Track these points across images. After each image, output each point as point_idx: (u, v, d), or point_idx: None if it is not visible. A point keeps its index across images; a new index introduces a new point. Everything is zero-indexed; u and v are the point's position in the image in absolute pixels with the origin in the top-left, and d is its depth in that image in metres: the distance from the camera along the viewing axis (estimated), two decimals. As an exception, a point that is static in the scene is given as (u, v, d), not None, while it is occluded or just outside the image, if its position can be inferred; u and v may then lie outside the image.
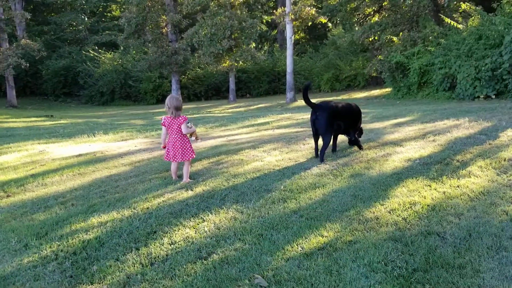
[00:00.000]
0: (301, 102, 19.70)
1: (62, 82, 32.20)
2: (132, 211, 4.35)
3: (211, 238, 3.61)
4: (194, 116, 15.47)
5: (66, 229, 4.04)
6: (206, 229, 3.79)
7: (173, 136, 5.22)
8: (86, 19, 36.39)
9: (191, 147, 5.33)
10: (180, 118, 5.21)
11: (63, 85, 32.36)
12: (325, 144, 5.58)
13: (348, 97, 21.64)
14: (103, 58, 30.95)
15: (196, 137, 5.45)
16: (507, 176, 4.37)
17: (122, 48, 30.79)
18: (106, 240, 3.73)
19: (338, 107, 5.74)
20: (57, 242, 3.76)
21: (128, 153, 7.39)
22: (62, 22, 35.24)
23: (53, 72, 31.61)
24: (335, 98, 20.79)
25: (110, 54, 31.54)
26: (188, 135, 5.31)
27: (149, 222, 4.03)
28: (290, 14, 19.79)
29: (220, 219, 3.95)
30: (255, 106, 19.93)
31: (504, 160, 4.85)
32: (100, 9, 39.73)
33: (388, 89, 19.82)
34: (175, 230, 3.80)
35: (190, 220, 3.99)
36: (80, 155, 7.51)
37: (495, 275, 2.76)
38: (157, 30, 25.95)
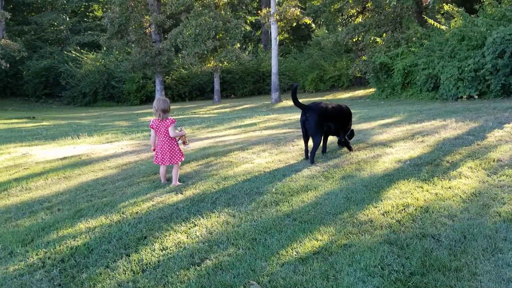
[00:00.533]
0: (286, 103, 19.70)
1: (43, 83, 31.65)
2: (121, 215, 4.25)
3: (204, 243, 3.54)
4: (179, 117, 15.33)
5: (53, 235, 3.92)
6: (198, 233, 3.72)
7: (160, 139, 5.15)
8: (67, 19, 35.82)
9: (180, 150, 5.24)
10: (168, 120, 5.15)
11: (45, 86, 31.81)
12: (316, 145, 5.56)
13: (332, 97, 21.72)
14: (85, 58, 30.51)
15: (184, 142, 5.36)
16: (497, 177, 4.40)
17: (105, 48, 30.41)
18: (95, 247, 3.62)
19: (328, 108, 5.72)
20: (44, 249, 3.64)
21: (115, 155, 7.26)
22: (43, 22, 34.63)
23: (34, 72, 31.05)
24: (320, 98, 20.86)
25: (93, 54, 31.11)
26: (176, 138, 5.22)
27: (139, 227, 3.94)
28: (275, 15, 19.78)
29: (212, 224, 3.88)
30: (240, 107, 19.85)
31: (493, 160, 4.89)
32: (82, 9, 39.19)
33: (372, 90, 19.95)
34: (166, 235, 3.72)
35: (181, 225, 3.91)
36: (64, 158, 7.35)
37: (492, 277, 2.75)
38: (141, 30, 25.68)
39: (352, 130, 6.24)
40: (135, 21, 25.12)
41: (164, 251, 3.45)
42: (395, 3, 11.01)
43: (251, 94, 29.06)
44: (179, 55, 28.06)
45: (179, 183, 5.14)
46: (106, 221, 4.14)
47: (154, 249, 3.49)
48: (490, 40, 12.42)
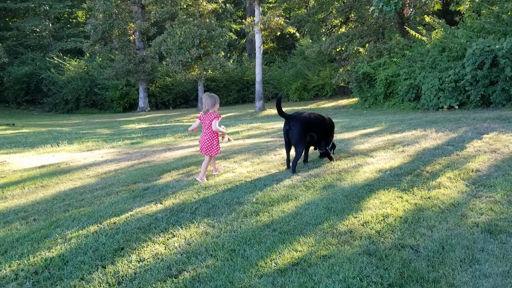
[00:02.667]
0: (270, 111, 19.75)
1: (24, 90, 31.19)
2: (98, 226, 4.17)
3: (182, 254, 3.48)
4: (162, 125, 15.24)
5: (27, 246, 3.82)
6: (176, 244, 3.66)
7: (204, 131, 5.61)
8: (50, 25, 35.44)
9: (217, 145, 5.60)
10: (212, 114, 5.52)
11: (26, 92, 31.35)
12: (298, 155, 5.56)
13: (316, 106, 21.84)
14: (68, 65, 30.18)
15: (228, 139, 5.93)
16: (475, 187, 4.44)
17: (88, 55, 30.15)
18: (70, 258, 3.54)
19: (311, 118, 5.73)
20: (17, 261, 3.54)
21: (94, 164, 7.15)
22: (25, 28, 34.22)
23: (15, 79, 30.60)
24: (303, 107, 20.97)
25: (76, 61, 30.80)
26: (219, 134, 5.66)
27: (116, 238, 3.86)
28: (259, 24, 19.87)
29: (191, 234, 3.83)
30: (224, 115, 19.81)
31: (472, 171, 4.94)
32: (65, 15, 38.84)
33: (355, 99, 20.12)
34: (144, 247, 3.66)
35: (160, 236, 3.84)
36: (43, 166, 7.21)
37: (469, 289, 2.75)
38: (124, 38, 25.57)
39: (333, 142, 6.25)
40: (118, 28, 25.02)
41: (141, 263, 3.38)
42: (377, 14, 11.13)
43: (235, 102, 29.07)
44: (163, 62, 27.98)
45: (204, 180, 5.41)
46: (82, 232, 4.06)
47: (131, 260, 3.43)
48: (470, 51, 12.63)
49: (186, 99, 29.53)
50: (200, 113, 5.66)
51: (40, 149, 9.44)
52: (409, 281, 2.88)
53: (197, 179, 5.47)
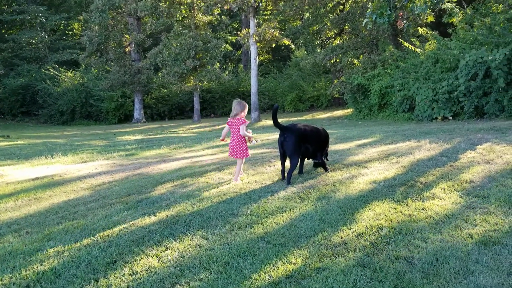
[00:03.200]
0: (265, 122, 19.76)
1: (20, 101, 31.12)
2: (91, 239, 4.14)
3: (175, 267, 3.46)
4: (158, 136, 15.22)
5: (19, 259, 3.78)
6: (169, 257, 3.63)
7: (232, 135, 5.98)
8: (46, 37, 35.49)
9: (246, 148, 5.94)
10: (239, 120, 5.87)
11: (21, 104, 31.27)
12: (293, 166, 5.56)
13: (311, 117, 21.89)
14: (63, 76, 30.18)
15: (256, 140, 6.17)
16: (469, 198, 4.45)
17: (83, 66, 30.17)
18: (63, 271, 3.51)
19: (307, 130, 5.75)
20: (9, 274, 3.51)
21: (88, 176, 7.12)
22: (21, 40, 34.25)
23: (10, 90, 30.56)
24: (299, 118, 21.01)
25: (71, 72, 30.80)
26: (246, 138, 5.96)
27: (109, 251, 3.83)
28: (255, 36, 19.98)
29: (184, 247, 3.81)
30: (219, 126, 19.82)
31: (466, 182, 4.95)
32: (61, 27, 38.94)
33: (350, 110, 20.19)
34: (137, 260, 3.63)
35: (153, 248, 3.82)
36: (37, 178, 7.17)
37: (463, 301, 2.74)
38: (120, 49, 25.64)
39: (327, 153, 6.28)
40: (114, 40, 25.10)
41: (134, 276, 3.35)
42: (371, 26, 11.22)
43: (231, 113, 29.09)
44: (159, 74, 28.04)
45: (238, 182, 5.75)
46: (75, 245, 4.02)
47: (124, 274, 3.40)
48: (463, 63, 12.74)
49: (181, 110, 29.54)
50: (229, 118, 6.03)
51: (35, 161, 9.40)
52: (403, 294, 2.87)
53: (233, 181, 5.83)
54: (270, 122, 20.19)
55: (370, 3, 10.13)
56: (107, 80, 25.68)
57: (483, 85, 12.48)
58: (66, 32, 39.42)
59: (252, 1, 19.02)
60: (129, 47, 26.34)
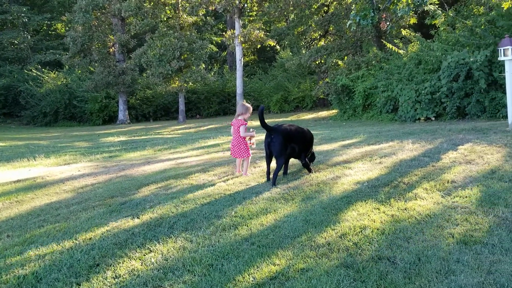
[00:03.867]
0: (251, 123, 19.69)
1: (1, 102, 30.56)
2: (73, 242, 4.09)
3: (158, 270, 3.44)
4: (142, 137, 15.11)
5: (0, 263, 3.72)
6: (153, 260, 3.61)
7: (234, 135, 6.26)
8: (29, 37, 34.96)
9: (246, 149, 6.16)
10: (240, 121, 6.14)
11: (3, 105, 30.73)
12: (278, 167, 5.58)
13: (296, 118, 21.97)
14: (46, 77, 29.77)
15: (251, 143, 6.28)
16: (451, 198, 4.51)
17: (67, 67, 29.81)
18: (44, 275, 3.46)
19: (292, 130, 5.79)
20: (-12, 279, 3.45)
21: (71, 178, 7.03)
22: (3, 40, 33.67)
23: (-9, 91, 30.04)
24: (284, 119, 21.07)
25: (54, 73, 30.41)
26: (247, 138, 6.18)
27: (92, 254, 3.79)
28: (240, 37, 20.00)
29: (168, 249, 3.79)
30: (205, 127, 19.78)
31: (448, 182, 5.02)
32: (44, 27, 38.40)
33: (335, 111, 20.30)
34: (120, 263, 3.60)
35: (136, 251, 3.79)
36: (18, 181, 7.07)
37: (444, 300, 2.78)
38: (104, 50, 25.41)
39: (313, 153, 6.31)
40: (98, 40, 24.86)
41: (116, 279, 3.33)
42: (355, 28, 11.32)
43: (216, 114, 29.05)
44: (144, 75, 27.85)
45: (248, 175, 6.10)
46: (57, 248, 3.97)
47: (106, 277, 3.37)
48: (445, 64, 12.91)
49: (166, 111, 29.37)
50: (233, 119, 6.34)
51: (16, 163, 9.26)
52: (386, 293, 2.89)
53: (243, 174, 6.16)
54: (255, 123, 20.14)
55: (354, 5, 10.20)
56: (91, 81, 25.42)
57: (465, 86, 12.66)
58: (49, 32, 38.87)
59: (237, 2, 19.04)
60: (113, 48, 26.13)
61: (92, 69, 27.24)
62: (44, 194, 6.04)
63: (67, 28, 32.36)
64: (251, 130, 6.24)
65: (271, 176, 5.69)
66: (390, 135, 9.43)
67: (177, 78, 23.40)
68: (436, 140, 7.70)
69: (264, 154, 5.94)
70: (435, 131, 9.60)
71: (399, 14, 9.20)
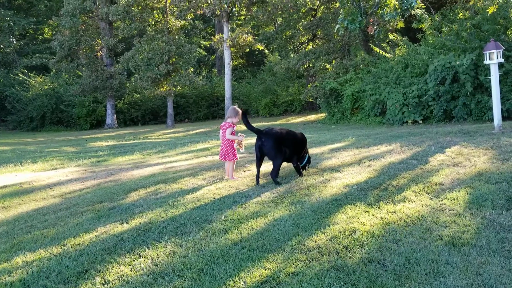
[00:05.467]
0: (240, 127, 19.75)
1: (-13, 107, 30.20)
2: (61, 248, 4.05)
3: (148, 275, 3.41)
4: (130, 142, 15.01)
5: (-15, 271, 3.67)
6: (142, 265, 3.58)
7: (221, 138, 6.35)
8: (14, 41, 34.57)
9: (233, 152, 6.21)
10: (226, 124, 6.21)
11: (-12, 110, 30.37)
12: (276, 167, 5.68)
13: (285, 121, 22.01)
14: (33, 82, 29.45)
15: (239, 145, 6.26)
16: (439, 201, 4.55)
17: (54, 71, 29.52)
18: (32, 282, 3.42)
19: (283, 133, 5.83)
20: (-26, 287, 3.39)
21: (59, 183, 6.96)
22: (-12, 44, 33.29)
23: (-24, 96, 29.63)
24: (273, 123, 21.09)
25: (41, 77, 30.09)
26: (235, 142, 6.21)
27: (80, 260, 3.75)
28: (228, 41, 20.01)
29: (158, 254, 3.76)
30: (194, 131, 19.71)
31: (436, 184, 5.06)
32: (31, 31, 38.00)
33: (323, 114, 20.38)
34: (109, 268, 3.56)
35: (126, 257, 3.76)
36: (4, 186, 6.98)
37: (434, 302, 2.80)
38: (92, 54, 25.22)
39: (309, 156, 6.35)
40: (85, 44, 24.67)
41: (106, 285, 3.30)
42: (343, 32, 11.40)
43: (205, 118, 28.97)
44: (131, 78, 27.71)
45: (235, 178, 6.15)
46: (45, 254, 3.93)
47: (95, 283, 3.33)
48: (432, 67, 13.05)
49: (155, 116, 29.22)
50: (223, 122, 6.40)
51: (2, 168, 9.14)
52: (376, 296, 2.90)
53: (230, 179, 6.16)
54: (244, 127, 20.17)
55: (341, 10, 10.28)
56: (78, 85, 25.20)
57: (452, 89, 12.81)
58: (36, 36, 38.49)
59: (225, 6, 19.04)
60: (100, 52, 25.96)
61: (79, 73, 27.01)
62: (31, 200, 5.96)
63: (54, 32, 32.10)
64: (239, 134, 6.27)
65: (260, 180, 5.73)
66: (378, 138, 9.49)
67: (165, 82, 23.31)
68: (424, 143, 7.76)
69: (255, 158, 5.93)
70: (423, 134, 9.68)
71: (387, 19, 9.27)
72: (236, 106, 6.45)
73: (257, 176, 5.82)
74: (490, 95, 12.12)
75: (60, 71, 27.91)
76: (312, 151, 8.34)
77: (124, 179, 6.95)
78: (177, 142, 13.22)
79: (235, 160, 6.36)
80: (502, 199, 4.37)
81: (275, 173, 5.69)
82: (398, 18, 9.08)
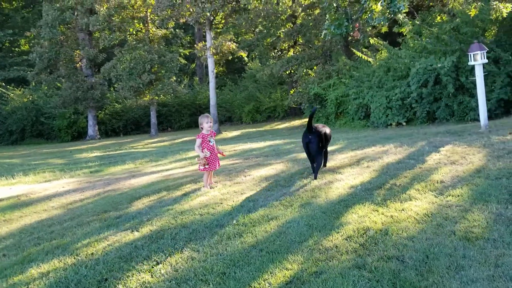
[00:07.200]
0: (226, 134, 19.77)
1: (-35, 122, 29.41)
2: (75, 258, 4.01)
3: (170, 281, 3.42)
4: (118, 152, 14.86)
5: (2, 283, 3.61)
6: (162, 271, 3.59)
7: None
8: (-10, 54, 33.92)
9: (201, 162, 5.97)
10: (211, 132, 6.22)
11: (-33, 124, 29.57)
12: (319, 164, 6.15)
13: (270, 128, 22.14)
14: (12, 95, 28.89)
15: (198, 160, 6.02)
16: (444, 197, 4.67)
17: (33, 84, 29.03)
18: (52, 293, 3.39)
19: (325, 131, 6.35)
20: (-8, 301, 3.34)
21: (57, 194, 6.87)
22: (-37, 57, 32.55)
23: (-47, 111, 28.85)
24: (257, 129, 21.20)
25: (20, 90, 29.55)
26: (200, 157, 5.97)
27: (98, 269, 3.73)
28: (212, 49, 20.06)
29: (176, 260, 3.77)
30: (179, 140, 19.64)
31: (437, 182, 5.19)
32: (7, 43, 37.29)
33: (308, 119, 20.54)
34: (129, 276, 3.56)
35: (143, 264, 3.75)
36: (1, 199, 6.84)
37: (460, 293, 2.89)
38: (71, 65, 24.93)
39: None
40: (65, 56, 24.39)
41: (130, 293, 3.29)
42: (329, 37, 11.60)
43: (188, 126, 28.89)
44: (111, 89, 27.49)
45: (207, 189, 5.96)
46: (59, 265, 3.89)
47: (119, 291, 3.32)
48: (414, 70, 13.35)
49: (137, 125, 29.01)
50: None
51: (-7, 182, 8.96)
52: (402, 291, 2.98)
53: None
54: (230, 134, 20.26)
55: (327, 15, 10.45)
56: (58, 97, 24.88)
57: (434, 91, 13.12)
58: (12, 49, 37.78)
59: (208, 14, 19.11)
60: (80, 63, 25.69)
61: (59, 85, 26.64)
62: (32, 212, 5.87)
63: (31, 44, 31.58)
64: (203, 151, 6.00)
65: (264, 183, 5.87)
66: (369, 140, 9.64)
67: (148, 92, 23.20)
68: (417, 144, 7.93)
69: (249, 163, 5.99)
70: (411, 135, 9.88)
71: (375, 24, 9.47)
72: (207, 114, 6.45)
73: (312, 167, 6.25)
74: (471, 96, 12.48)
75: (39, 83, 27.49)
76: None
77: (123, 188, 6.91)
78: (166, 150, 13.15)
79: (214, 170, 6.24)
80: (505, 194, 4.52)
81: (318, 168, 6.13)
82: (382, 23, 9.28)
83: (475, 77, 9.13)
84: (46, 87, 27.74)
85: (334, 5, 10.29)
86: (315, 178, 5.93)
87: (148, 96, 23.35)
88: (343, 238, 3.89)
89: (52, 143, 26.00)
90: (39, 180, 8.78)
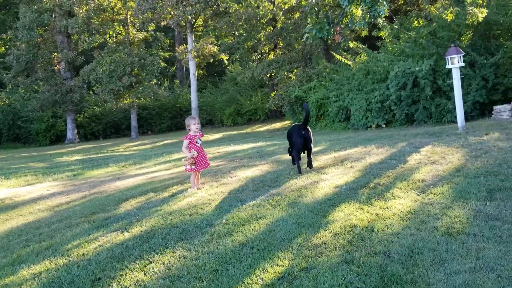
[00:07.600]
0: (207, 137, 19.79)
1: None
2: (66, 258, 4.03)
3: (164, 279, 3.48)
4: (99, 155, 14.76)
5: (-6, 286, 3.62)
6: (156, 270, 3.64)
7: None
8: (-36, 56, 33.13)
9: (188, 162, 6.06)
10: (198, 133, 6.39)
11: None
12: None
13: (251, 130, 22.26)
14: (-13, 98, 28.37)
15: (186, 161, 6.10)
16: (426, 195, 4.84)
17: (10, 87, 28.52)
18: (45, 294, 3.41)
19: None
20: (-15, 302, 3.35)
21: (42, 197, 6.83)
22: None
23: None
24: (238, 132, 21.29)
25: (-5, 93, 29.04)
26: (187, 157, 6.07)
27: (90, 268, 3.77)
28: (193, 51, 20.09)
29: (168, 259, 3.83)
30: (160, 143, 19.58)
31: (419, 181, 5.37)
32: (-19, 46, 36.53)
33: (288, 122, 20.77)
34: (122, 275, 3.60)
35: (136, 263, 3.80)
36: (-16, 203, 6.78)
37: (444, 285, 3.03)
38: (50, 68, 24.60)
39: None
40: (43, 58, 24.06)
41: (125, 291, 3.34)
42: (311, 41, 11.79)
43: (168, 130, 28.81)
44: (90, 92, 27.22)
45: (195, 190, 6.03)
46: (51, 265, 3.91)
47: (114, 289, 3.37)
48: (393, 74, 13.65)
49: (117, 129, 28.78)
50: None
51: (-27, 186, 8.82)
52: (390, 283, 3.11)
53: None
54: (212, 136, 20.30)
55: (309, 19, 10.64)
56: (36, 100, 24.52)
57: (412, 94, 13.45)
58: (-14, 51, 37.03)
59: (190, 17, 19.14)
60: (59, 66, 25.37)
61: (37, 88, 26.26)
62: (18, 215, 5.84)
63: (7, 47, 31.04)
64: (191, 152, 6.12)
65: (249, 184, 5.98)
66: (350, 142, 9.84)
67: (128, 94, 23.06)
68: (397, 145, 8.14)
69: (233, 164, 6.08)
70: (392, 136, 10.12)
71: (356, 27, 9.69)
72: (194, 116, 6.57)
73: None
74: (448, 99, 12.84)
75: (16, 86, 27.05)
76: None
77: (109, 190, 6.91)
78: (149, 153, 13.13)
79: (201, 170, 6.38)
80: (483, 191, 4.72)
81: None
82: (363, 27, 9.51)
83: (452, 80, 9.41)
84: (23, 90, 27.32)
85: (316, 9, 10.47)
86: (311, 167, 6.59)
87: (128, 99, 23.22)
88: (331, 235, 4.01)
89: (30, 147, 25.58)
90: (22, 183, 8.69)
